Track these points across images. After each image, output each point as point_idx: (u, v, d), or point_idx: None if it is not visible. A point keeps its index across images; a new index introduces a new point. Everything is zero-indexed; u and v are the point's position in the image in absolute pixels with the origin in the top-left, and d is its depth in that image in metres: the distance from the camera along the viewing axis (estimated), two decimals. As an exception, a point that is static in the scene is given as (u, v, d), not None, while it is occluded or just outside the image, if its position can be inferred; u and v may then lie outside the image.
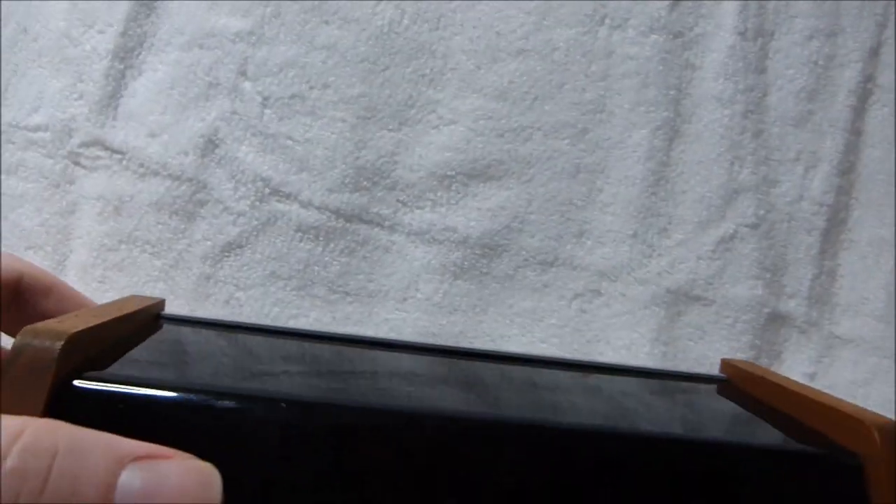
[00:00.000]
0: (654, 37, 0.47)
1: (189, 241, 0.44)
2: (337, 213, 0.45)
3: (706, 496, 0.24)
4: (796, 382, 0.33)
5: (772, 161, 0.47)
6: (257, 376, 0.29)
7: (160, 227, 0.44)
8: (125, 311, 0.30)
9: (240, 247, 0.44)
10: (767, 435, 0.29)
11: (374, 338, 0.38)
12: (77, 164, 0.45)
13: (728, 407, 0.33)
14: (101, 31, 0.46)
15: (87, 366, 0.24)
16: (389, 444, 0.23)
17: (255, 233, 0.45)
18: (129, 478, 0.18)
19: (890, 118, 0.48)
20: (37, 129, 0.45)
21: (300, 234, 0.45)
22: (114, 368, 0.25)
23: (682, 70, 0.47)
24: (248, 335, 0.35)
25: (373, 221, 0.45)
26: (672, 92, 0.47)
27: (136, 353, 0.28)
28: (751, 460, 0.25)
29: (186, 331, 0.34)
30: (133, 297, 0.35)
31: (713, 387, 0.36)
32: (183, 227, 0.45)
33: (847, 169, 0.47)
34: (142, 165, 0.45)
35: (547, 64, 0.47)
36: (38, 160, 0.45)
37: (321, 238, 0.45)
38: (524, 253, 0.46)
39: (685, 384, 0.36)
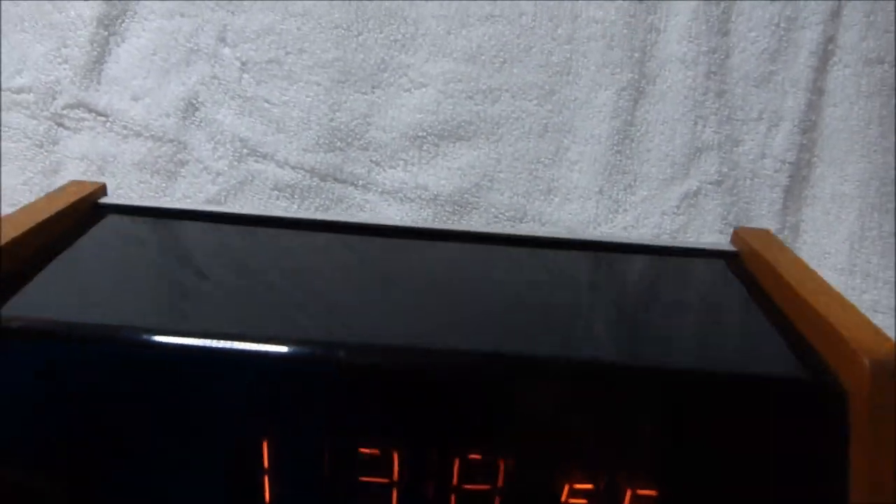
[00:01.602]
0: (619, 1, 0.49)
1: (170, 199, 0.46)
2: (312, 171, 0.46)
3: (682, 421, 0.24)
4: (806, 271, 0.31)
5: (735, 120, 0.48)
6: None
7: (142, 185, 0.46)
8: (60, 205, 0.31)
9: (219, 204, 0.46)
10: (753, 347, 0.28)
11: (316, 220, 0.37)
12: (61, 125, 0.47)
13: (727, 294, 0.32)
14: None
15: (18, 279, 0.25)
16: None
17: (233, 191, 0.46)
18: None
19: (851, 77, 0.49)
20: (20, 90, 0.47)
21: (276, 192, 0.46)
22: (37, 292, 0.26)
23: (646, 33, 0.49)
24: (188, 224, 0.35)
25: (347, 181, 0.47)
26: (636, 54, 0.48)
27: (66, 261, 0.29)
28: (732, 384, 0.25)
29: (124, 225, 0.35)
30: (72, 184, 0.36)
31: (720, 263, 0.35)
32: (164, 185, 0.46)
33: (809, 127, 0.49)
34: (125, 127, 0.47)
35: (515, 28, 0.48)
36: (21, 121, 0.47)
37: (297, 196, 0.47)
38: (493, 210, 0.47)
39: (694, 259, 0.36)
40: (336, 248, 0.35)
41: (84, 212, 0.34)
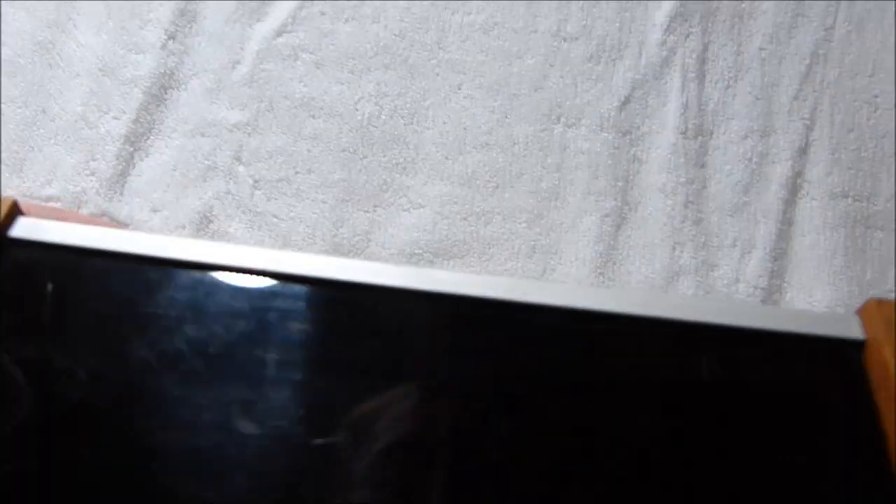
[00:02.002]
0: (604, 134, 0.53)
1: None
2: (315, 284, 0.50)
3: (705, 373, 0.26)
4: None
5: (710, 246, 0.52)
6: None
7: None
8: None
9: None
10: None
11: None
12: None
13: None
14: (115, 118, 0.53)
15: None
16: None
17: (240, 300, 0.50)
18: None
19: (818, 209, 0.53)
20: (49, 199, 0.51)
21: (281, 302, 0.50)
22: None
23: (629, 164, 0.53)
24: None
25: (347, 292, 0.50)
26: (620, 183, 0.52)
27: None
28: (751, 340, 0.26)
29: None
30: None
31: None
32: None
33: (779, 255, 0.52)
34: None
35: (508, 156, 0.52)
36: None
37: (300, 306, 0.50)
38: (483, 324, 0.50)
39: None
40: None
41: None
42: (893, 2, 0.56)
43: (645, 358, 0.30)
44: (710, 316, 0.30)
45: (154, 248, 0.32)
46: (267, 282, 0.33)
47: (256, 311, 0.31)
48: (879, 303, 0.30)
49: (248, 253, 0.33)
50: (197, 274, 0.31)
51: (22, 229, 0.35)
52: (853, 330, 0.30)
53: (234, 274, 0.33)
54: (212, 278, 0.33)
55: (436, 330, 0.31)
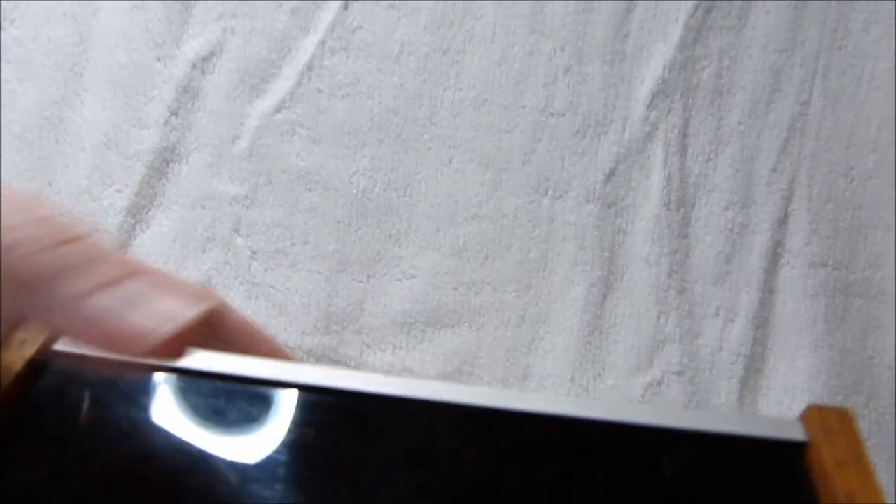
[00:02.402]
0: (590, 206, 0.55)
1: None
2: (309, 353, 0.51)
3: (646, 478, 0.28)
4: None
5: (694, 315, 0.53)
6: None
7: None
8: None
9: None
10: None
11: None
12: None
13: None
14: (118, 190, 0.55)
15: None
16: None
17: (236, 369, 0.51)
18: None
19: (798, 278, 0.54)
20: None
21: (276, 371, 0.51)
22: None
23: (614, 235, 0.55)
24: None
25: (341, 361, 0.52)
26: (606, 253, 0.54)
27: None
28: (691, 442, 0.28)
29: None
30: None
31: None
32: (174, 363, 0.51)
33: (761, 323, 0.54)
34: (143, 308, 0.52)
35: (497, 227, 0.54)
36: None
37: (295, 375, 0.51)
38: (474, 392, 0.52)
39: None
40: None
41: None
42: (866, 78, 0.58)
43: (586, 459, 0.31)
44: (660, 419, 0.31)
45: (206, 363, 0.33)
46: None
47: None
48: (820, 410, 0.32)
49: (242, 363, 0.33)
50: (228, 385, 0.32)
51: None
52: (796, 433, 0.31)
53: (254, 386, 0.33)
54: (242, 390, 0.34)
55: (412, 436, 0.32)
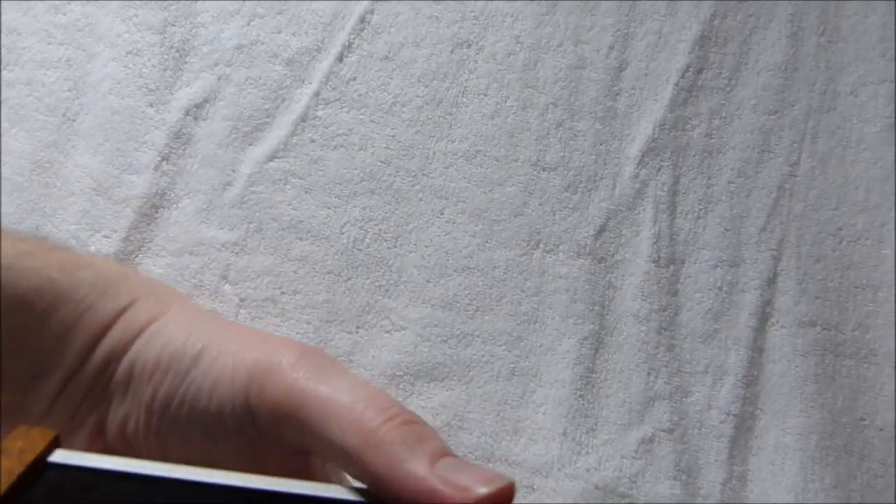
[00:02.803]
0: (581, 260, 0.55)
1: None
2: (295, 405, 0.50)
3: None
4: None
5: (683, 373, 0.53)
6: None
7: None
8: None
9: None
10: None
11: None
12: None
13: None
14: (106, 236, 0.54)
15: None
16: None
17: (220, 421, 0.50)
18: None
19: (787, 338, 0.54)
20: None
21: (261, 423, 0.50)
22: None
23: (605, 290, 0.54)
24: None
25: (327, 414, 0.51)
26: (597, 308, 0.54)
27: None
28: None
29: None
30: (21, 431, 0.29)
31: None
32: (156, 413, 0.50)
33: (751, 382, 0.53)
34: (126, 356, 0.51)
35: (488, 280, 0.54)
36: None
37: (279, 428, 0.50)
38: (462, 449, 0.51)
39: None
40: None
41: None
42: (854, 140, 0.60)
43: None
44: None
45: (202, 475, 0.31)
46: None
47: None
48: None
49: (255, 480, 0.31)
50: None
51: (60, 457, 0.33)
52: None
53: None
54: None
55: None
